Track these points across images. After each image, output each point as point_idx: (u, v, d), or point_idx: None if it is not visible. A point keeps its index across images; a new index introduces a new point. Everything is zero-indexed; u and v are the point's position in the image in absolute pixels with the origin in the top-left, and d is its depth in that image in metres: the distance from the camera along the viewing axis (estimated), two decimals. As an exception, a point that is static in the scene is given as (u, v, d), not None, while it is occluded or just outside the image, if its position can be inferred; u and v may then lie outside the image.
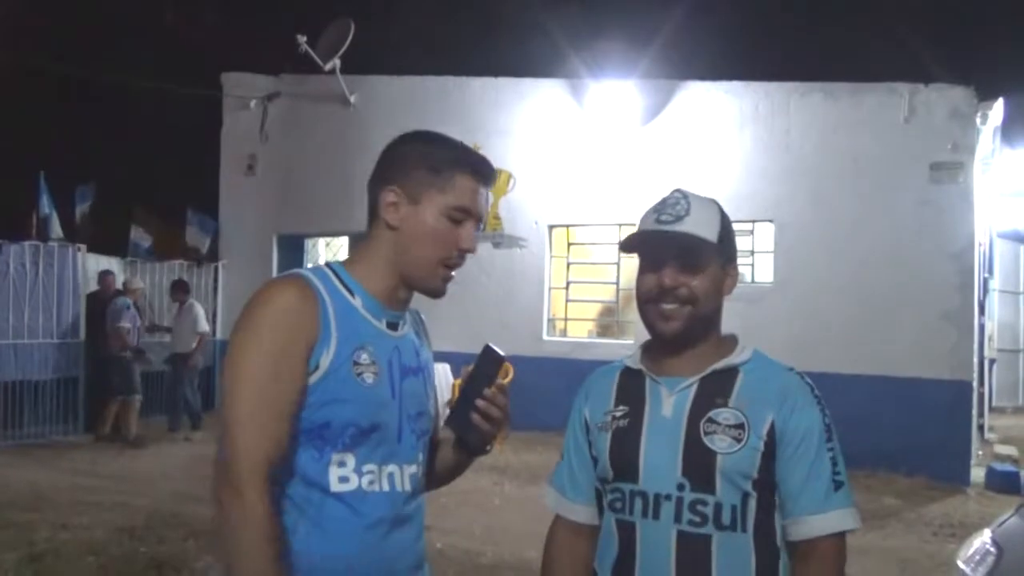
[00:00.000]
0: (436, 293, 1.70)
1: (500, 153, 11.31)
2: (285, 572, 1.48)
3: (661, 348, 1.76)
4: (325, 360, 1.54)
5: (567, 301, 11.32)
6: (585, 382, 1.89)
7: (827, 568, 1.65)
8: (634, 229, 1.80)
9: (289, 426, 1.51)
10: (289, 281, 1.58)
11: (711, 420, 1.67)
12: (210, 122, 13.42)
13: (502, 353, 1.69)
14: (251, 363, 1.50)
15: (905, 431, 8.60)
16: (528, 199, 11.17)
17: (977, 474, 8.68)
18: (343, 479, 1.57)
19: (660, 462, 1.67)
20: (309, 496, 1.56)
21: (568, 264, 11.26)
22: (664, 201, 1.76)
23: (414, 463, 1.67)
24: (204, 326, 10.41)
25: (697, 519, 1.64)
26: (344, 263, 1.69)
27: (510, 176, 11.29)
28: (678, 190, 1.79)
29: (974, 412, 9.20)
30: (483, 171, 1.68)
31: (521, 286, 11.14)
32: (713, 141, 10.14)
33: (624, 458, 1.72)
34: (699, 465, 1.65)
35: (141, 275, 11.87)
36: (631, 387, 1.77)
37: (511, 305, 11.04)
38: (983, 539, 3.53)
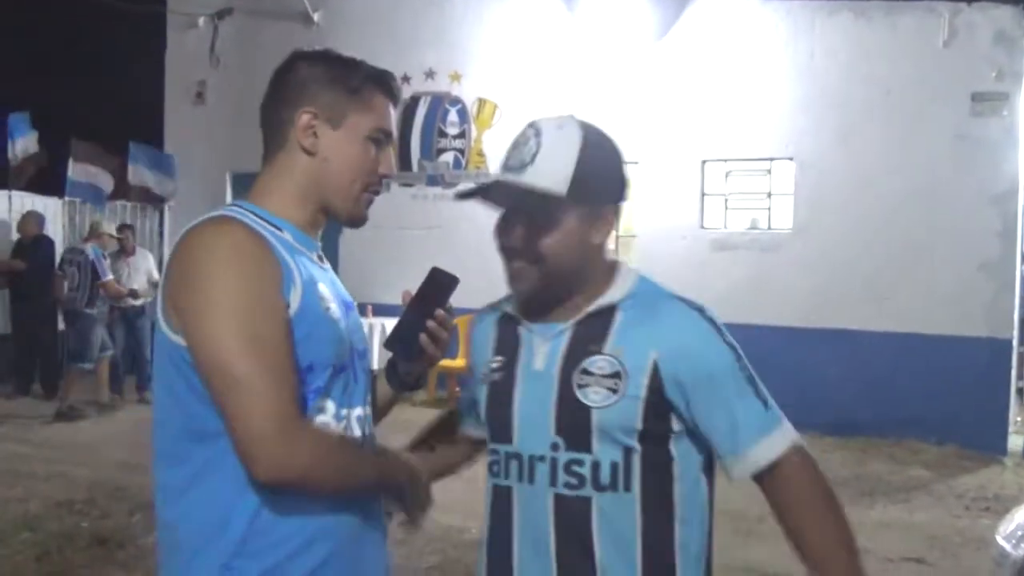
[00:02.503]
0: (360, 222, 1.73)
1: (484, 81, 11.20)
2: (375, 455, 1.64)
3: None
4: (295, 296, 1.55)
5: (560, 249, 11.32)
6: (470, 325, 1.94)
7: (804, 480, 1.67)
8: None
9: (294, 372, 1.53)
10: (224, 222, 1.58)
11: (585, 371, 1.67)
12: (152, 43, 13.21)
13: (454, 274, 1.75)
14: (236, 312, 1.47)
15: (935, 395, 8.71)
16: (516, 133, 11.07)
17: (1015, 442, 8.81)
18: (325, 427, 1.59)
19: (533, 421, 1.71)
20: None
21: (561, 207, 11.27)
22: (517, 138, 1.75)
23: (367, 405, 1.73)
24: (157, 275, 10.42)
25: (574, 481, 1.66)
26: (252, 200, 1.68)
27: (495, 107, 11.20)
28: (531, 124, 1.74)
29: (1013, 374, 9.32)
30: (395, 88, 1.74)
31: (508, 232, 11.10)
32: (725, 67, 10.07)
33: (499, 418, 1.76)
34: (573, 422, 1.67)
35: (82, 218, 11.75)
36: (508, 335, 1.80)
37: (495, 254, 10.97)
38: (1027, 513, 3.59)
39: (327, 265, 1.73)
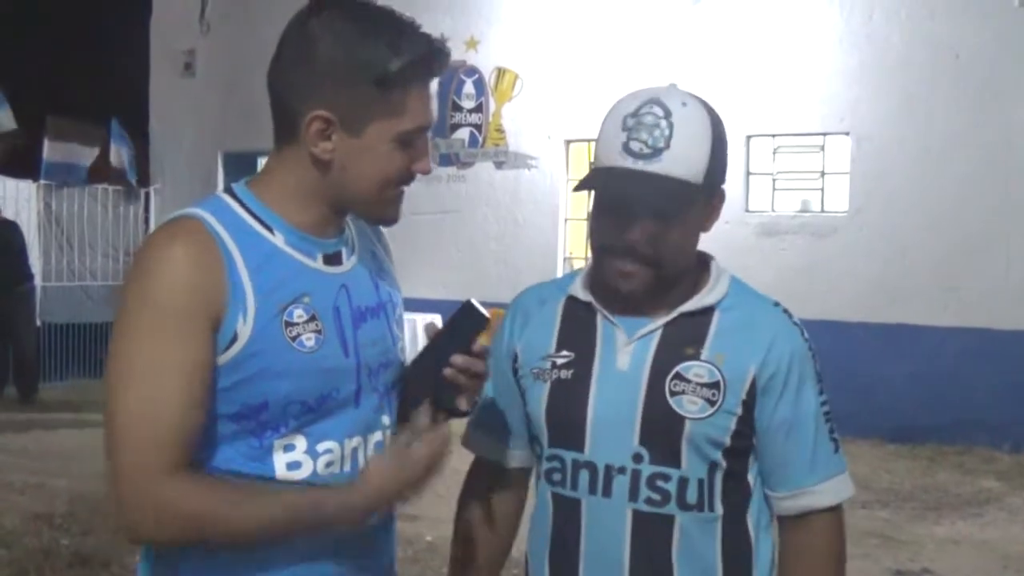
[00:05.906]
0: (387, 222, 1.69)
1: (504, 48, 11.20)
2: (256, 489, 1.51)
3: None
4: (243, 328, 1.50)
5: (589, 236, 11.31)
6: (518, 302, 1.87)
7: (836, 534, 1.74)
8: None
9: (199, 419, 1.49)
10: (178, 230, 1.54)
11: (679, 377, 1.66)
12: (136, 8, 13.27)
13: (486, 313, 1.65)
14: (138, 352, 1.48)
15: (1010, 397, 8.63)
16: (539, 106, 11.09)
17: (1099, 450, 8.76)
18: (293, 465, 1.56)
19: (612, 428, 1.68)
20: None
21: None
22: (638, 117, 1.64)
23: (378, 429, 1.66)
24: None
25: (657, 497, 1.66)
26: (252, 185, 1.62)
27: (516, 77, 11.19)
28: (655, 101, 1.65)
29: (1098, 374, 9.24)
30: (439, 65, 1.60)
31: (530, 217, 11.12)
32: (771, 30, 10.02)
33: (566, 420, 1.72)
34: (662, 432, 1.66)
35: (59, 202, 11.83)
36: (578, 325, 1.76)
37: (517, 241, 11.03)
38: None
39: (348, 265, 1.65)
